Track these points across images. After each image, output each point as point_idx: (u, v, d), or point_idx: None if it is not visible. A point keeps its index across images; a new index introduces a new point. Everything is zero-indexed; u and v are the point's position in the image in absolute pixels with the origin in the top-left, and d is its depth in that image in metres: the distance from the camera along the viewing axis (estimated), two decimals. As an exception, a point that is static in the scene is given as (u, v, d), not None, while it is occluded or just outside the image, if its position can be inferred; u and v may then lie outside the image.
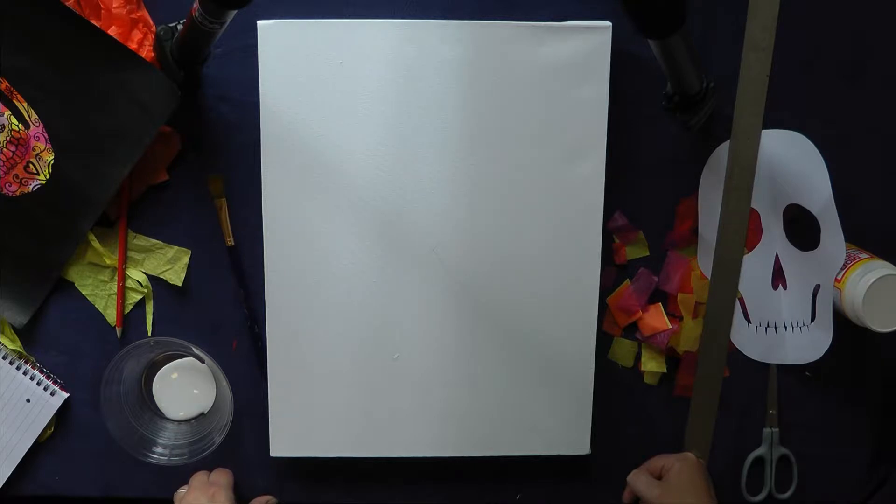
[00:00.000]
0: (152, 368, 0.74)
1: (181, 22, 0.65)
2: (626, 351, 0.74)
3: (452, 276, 0.69)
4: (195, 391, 0.74)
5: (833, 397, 0.75)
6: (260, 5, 0.66)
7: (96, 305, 0.73)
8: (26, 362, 0.73)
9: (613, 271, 0.73)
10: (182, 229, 0.72)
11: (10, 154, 0.68)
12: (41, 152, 0.68)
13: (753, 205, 0.72)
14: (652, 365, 0.74)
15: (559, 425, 0.71)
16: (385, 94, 0.67)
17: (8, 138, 0.68)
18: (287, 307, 0.69)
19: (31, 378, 0.72)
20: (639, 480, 0.71)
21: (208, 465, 0.73)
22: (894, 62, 0.72)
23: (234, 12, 0.58)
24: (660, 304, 0.73)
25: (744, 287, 0.73)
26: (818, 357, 0.72)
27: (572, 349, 0.70)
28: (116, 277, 0.72)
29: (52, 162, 0.69)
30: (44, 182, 0.69)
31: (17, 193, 0.69)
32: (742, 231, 0.72)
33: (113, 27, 0.68)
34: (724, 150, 0.72)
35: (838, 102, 0.72)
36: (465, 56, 0.67)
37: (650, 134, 0.72)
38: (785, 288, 0.74)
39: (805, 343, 0.73)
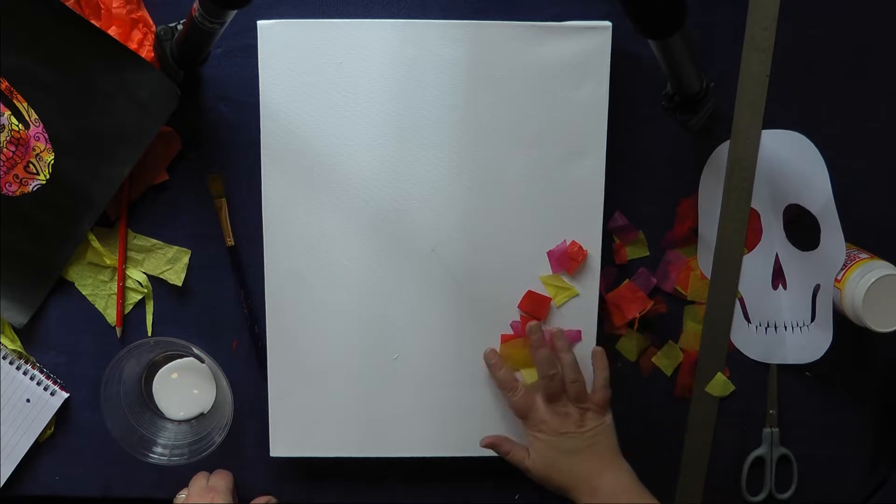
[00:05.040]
0: (152, 368, 0.74)
1: (181, 22, 0.65)
2: (633, 345, 0.74)
3: (452, 276, 0.69)
4: (195, 391, 0.74)
5: (833, 397, 0.75)
6: (260, 5, 0.67)
7: (96, 305, 0.73)
8: (26, 362, 0.73)
9: (613, 271, 0.73)
10: (182, 229, 0.72)
11: (10, 154, 0.68)
12: (41, 152, 0.68)
13: (753, 205, 0.72)
14: (664, 362, 0.74)
15: (559, 425, 0.71)
16: (385, 94, 0.67)
17: (8, 138, 0.68)
18: (287, 307, 0.69)
19: (31, 378, 0.72)
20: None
21: (208, 465, 0.73)
22: (894, 62, 0.72)
23: (234, 12, 0.58)
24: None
25: (744, 287, 0.73)
26: (818, 357, 0.72)
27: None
28: (116, 277, 0.72)
29: (52, 162, 0.69)
30: (44, 182, 0.69)
31: (17, 193, 0.69)
32: (742, 231, 0.72)
33: (113, 27, 0.69)
34: (724, 150, 0.72)
35: (838, 102, 0.72)
36: (464, 56, 0.67)
37: (650, 134, 0.72)
38: (785, 288, 0.74)
39: (805, 343, 0.73)
